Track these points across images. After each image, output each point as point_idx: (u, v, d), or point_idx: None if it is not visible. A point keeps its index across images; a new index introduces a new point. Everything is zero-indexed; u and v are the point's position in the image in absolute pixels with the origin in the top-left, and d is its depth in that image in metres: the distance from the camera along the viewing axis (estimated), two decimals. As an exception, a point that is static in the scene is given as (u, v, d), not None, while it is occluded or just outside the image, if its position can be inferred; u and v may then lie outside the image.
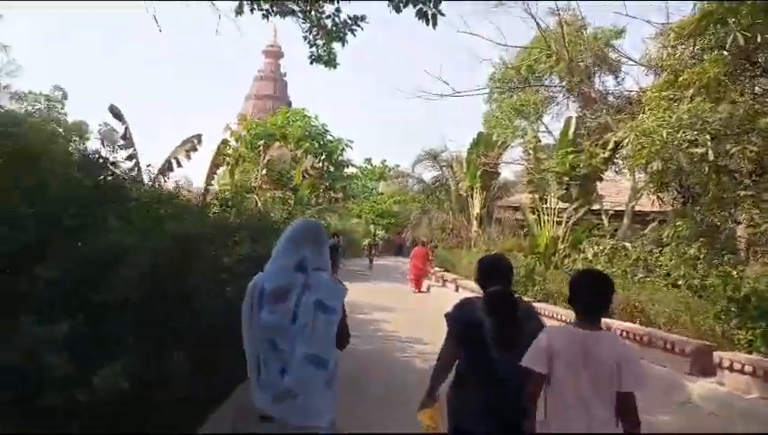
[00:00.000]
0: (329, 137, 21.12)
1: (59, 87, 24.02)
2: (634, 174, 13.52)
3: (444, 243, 22.61)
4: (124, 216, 3.44)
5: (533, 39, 17.84)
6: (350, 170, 21.67)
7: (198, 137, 10.63)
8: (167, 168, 9.69)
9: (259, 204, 11.02)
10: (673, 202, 8.80)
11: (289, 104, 31.92)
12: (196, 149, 10.49)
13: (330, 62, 6.88)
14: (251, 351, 2.28)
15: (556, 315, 10.07)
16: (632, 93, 13.68)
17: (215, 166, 11.33)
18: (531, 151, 15.58)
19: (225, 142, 12.99)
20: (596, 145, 13.17)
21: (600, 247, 11.62)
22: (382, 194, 35.43)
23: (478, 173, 22.04)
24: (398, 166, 32.41)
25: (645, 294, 9.30)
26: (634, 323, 8.81)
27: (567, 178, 13.88)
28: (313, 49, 6.82)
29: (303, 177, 17.30)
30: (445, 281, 17.54)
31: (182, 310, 3.23)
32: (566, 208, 14.16)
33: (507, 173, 27.14)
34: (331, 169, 21.39)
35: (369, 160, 36.44)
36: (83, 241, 3.02)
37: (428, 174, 28.03)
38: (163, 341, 3.15)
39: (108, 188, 3.91)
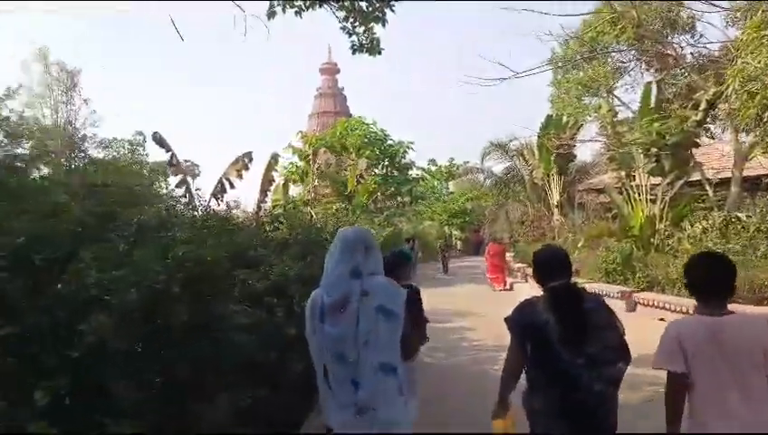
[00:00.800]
0: (389, 141, 20.53)
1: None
2: (737, 134, 11.72)
3: (525, 236, 21.21)
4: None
5: (592, 10, 16.31)
6: (415, 172, 20.84)
7: (249, 155, 10.41)
8: (219, 189, 9.51)
9: (314, 217, 10.56)
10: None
11: (350, 117, 31.96)
12: (247, 168, 10.28)
13: (373, 49, 6.29)
14: (320, 369, 2.28)
15: (669, 306, 8.71)
16: (716, 49, 11.82)
17: (268, 183, 11.05)
18: (608, 126, 14.01)
19: (275, 159, 12.70)
20: (685, 107, 11.53)
21: (710, 222, 10.03)
22: (453, 193, 34.40)
23: (552, 158, 20.54)
24: (467, 162, 31.24)
25: (776, 270, 7.80)
26: (765, 306, 7.37)
27: (655, 150, 12.28)
28: (354, 38, 6.24)
29: (358, 182, 16.85)
30: (527, 277, 16.20)
31: (199, 346, 2.67)
32: (659, 183, 12.54)
33: (584, 155, 25.30)
34: (395, 173, 20.75)
35: (433, 161, 35.57)
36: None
37: (499, 166, 26.81)
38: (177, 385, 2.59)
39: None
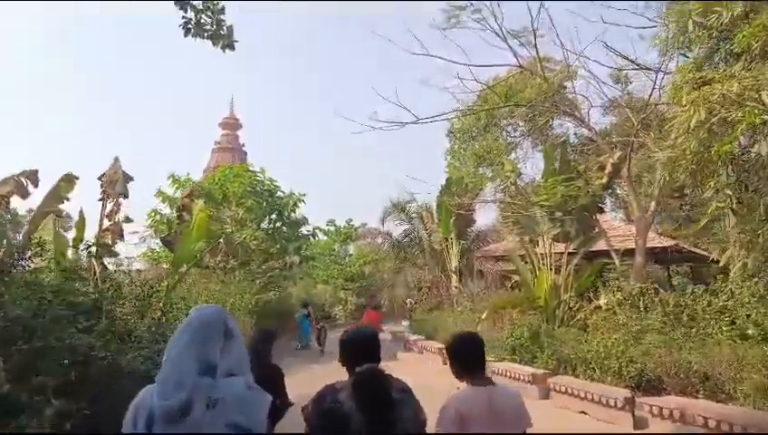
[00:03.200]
0: (278, 193, 18.46)
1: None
2: (637, 202, 11.26)
3: (422, 304, 19.74)
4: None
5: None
6: (306, 229, 18.82)
7: (34, 173, 7.56)
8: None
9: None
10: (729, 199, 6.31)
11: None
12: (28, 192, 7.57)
13: (218, 36, 4.50)
14: None
15: (589, 395, 7.27)
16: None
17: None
18: (512, 184, 13.23)
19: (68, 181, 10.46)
20: (589, 171, 10.95)
21: (620, 294, 9.04)
22: (351, 255, 32.84)
23: (452, 220, 19.69)
24: (365, 224, 29.98)
25: (708, 352, 6.69)
26: (709, 399, 6.15)
27: (560, 214, 11.49)
28: (191, 15, 4.45)
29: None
30: (424, 350, 14.18)
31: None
32: (564, 251, 11.70)
33: (483, 221, 25.09)
34: (284, 229, 18.57)
35: (332, 222, 33.94)
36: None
37: (398, 229, 25.83)
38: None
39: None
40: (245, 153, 41.96)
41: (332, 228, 33.45)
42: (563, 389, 8.02)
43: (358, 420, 2.15)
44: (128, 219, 8.98)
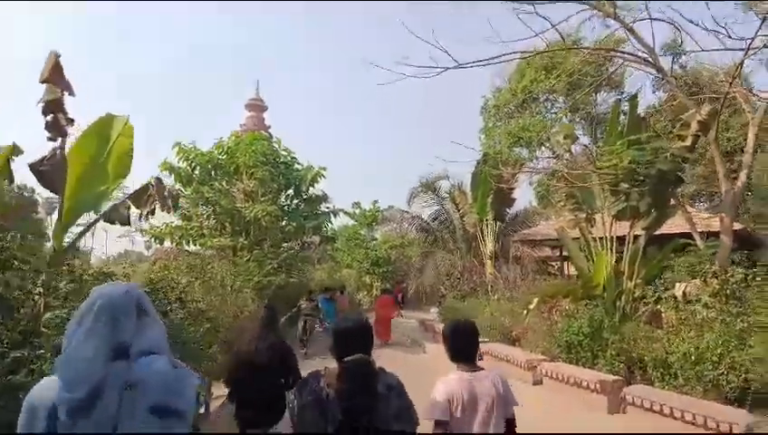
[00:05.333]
0: (296, 166, 16.79)
1: None
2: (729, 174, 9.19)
3: (453, 291, 18.00)
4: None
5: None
6: (326, 207, 17.12)
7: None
8: None
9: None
10: None
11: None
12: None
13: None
14: None
15: (682, 413, 5.41)
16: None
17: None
18: (567, 152, 11.23)
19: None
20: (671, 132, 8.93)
21: (716, 281, 7.06)
22: (376, 240, 31.27)
23: (489, 200, 17.77)
24: (392, 206, 28.27)
25: None
26: None
27: (626, 185, 9.50)
28: None
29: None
30: None
31: None
32: (630, 229, 9.74)
33: (518, 204, 23.02)
34: (302, 205, 16.94)
35: (357, 205, 32.28)
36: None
37: (427, 211, 24.11)
38: None
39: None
40: (271, 136, 41.21)
41: (357, 211, 31.84)
42: (640, 401, 6.18)
43: (336, 408, 2.17)
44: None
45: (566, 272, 19.57)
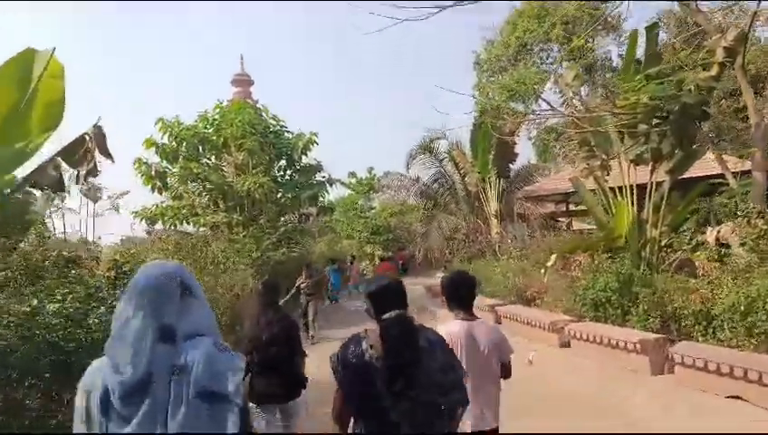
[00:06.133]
0: (286, 134, 15.91)
1: None
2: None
3: (458, 253, 17.42)
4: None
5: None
6: (321, 176, 16.34)
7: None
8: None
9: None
10: None
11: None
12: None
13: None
14: None
15: (747, 373, 4.81)
16: None
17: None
18: (575, 95, 10.38)
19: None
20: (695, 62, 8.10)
21: (762, 222, 6.36)
22: (374, 209, 30.61)
23: (490, 157, 16.98)
24: (388, 173, 27.41)
25: None
26: None
27: (645, 127, 8.72)
28: None
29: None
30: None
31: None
32: (651, 174, 9.02)
33: (521, 159, 22.16)
34: (295, 176, 16.13)
35: (353, 174, 31.43)
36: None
37: (426, 173, 23.28)
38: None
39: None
40: (259, 110, 40.00)
41: (353, 181, 31.03)
42: (690, 361, 5.56)
43: (380, 368, 2.14)
44: None
45: (573, 227, 19.01)
